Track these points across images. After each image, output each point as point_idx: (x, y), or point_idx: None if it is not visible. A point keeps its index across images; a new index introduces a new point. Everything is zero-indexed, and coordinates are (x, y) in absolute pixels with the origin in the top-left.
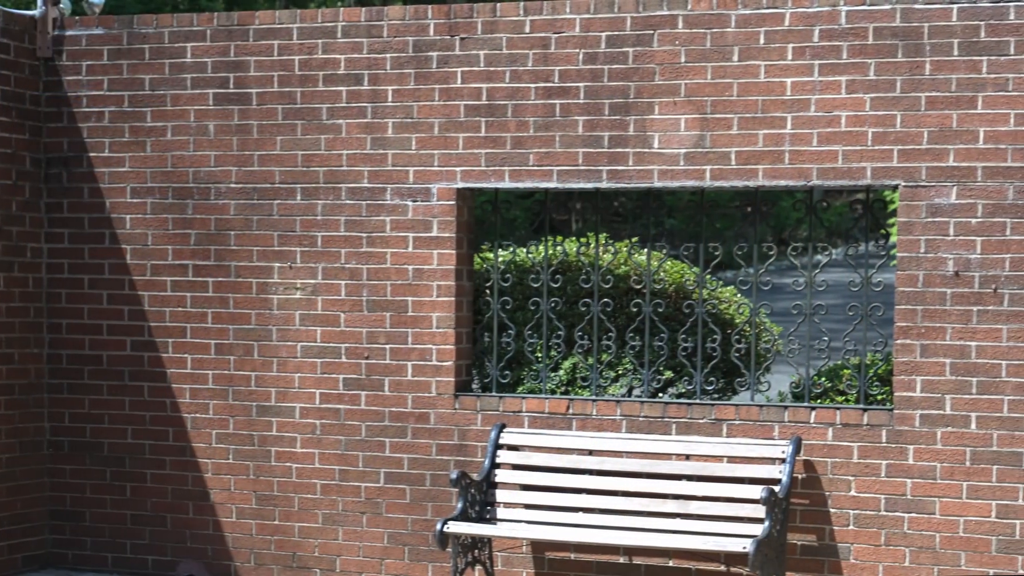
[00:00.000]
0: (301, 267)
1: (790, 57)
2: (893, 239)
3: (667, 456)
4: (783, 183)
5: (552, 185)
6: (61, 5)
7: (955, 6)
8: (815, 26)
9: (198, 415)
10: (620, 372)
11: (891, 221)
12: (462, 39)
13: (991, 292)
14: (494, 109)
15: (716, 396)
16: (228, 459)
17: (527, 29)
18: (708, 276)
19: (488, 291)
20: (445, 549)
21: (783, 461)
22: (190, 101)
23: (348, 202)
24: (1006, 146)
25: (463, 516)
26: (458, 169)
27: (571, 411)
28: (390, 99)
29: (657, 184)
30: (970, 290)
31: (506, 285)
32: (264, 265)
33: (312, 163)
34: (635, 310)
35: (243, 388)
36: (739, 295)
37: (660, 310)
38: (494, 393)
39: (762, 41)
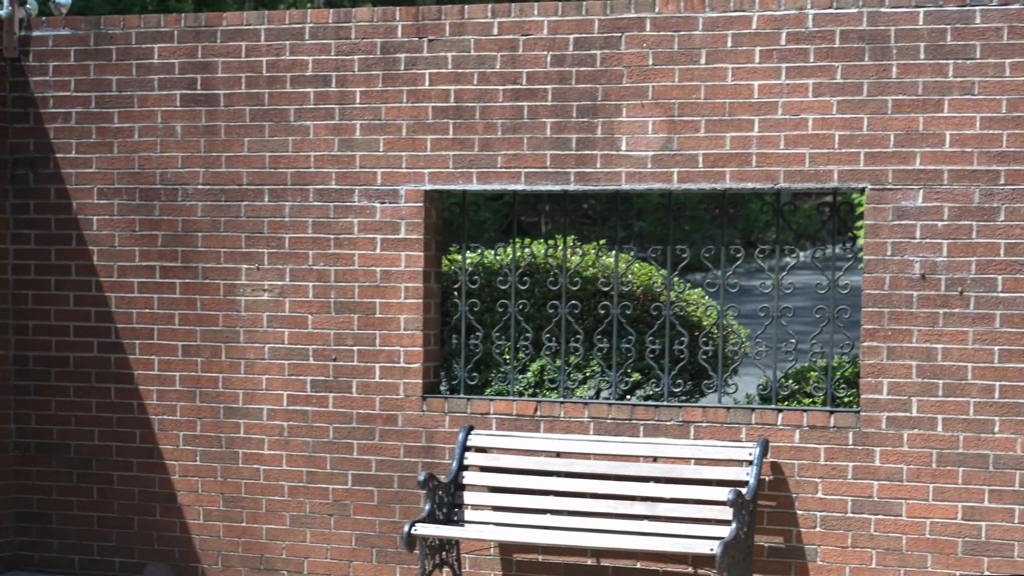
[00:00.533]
0: (269, 269)
1: (757, 60)
2: (860, 242)
3: (634, 458)
4: (750, 186)
5: (520, 187)
6: (27, 6)
7: (921, 10)
8: (782, 29)
9: (165, 417)
10: (588, 374)
11: (858, 224)
12: (430, 41)
13: (957, 295)
14: (462, 111)
15: (683, 398)
16: (195, 461)
17: (495, 31)
18: (676, 278)
19: (456, 293)
20: (413, 551)
21: (750, 463)
22: (157, 102)
23: (316, 204)
24: (972, 149)
25: (431, 518)
26: (426, 171)
27: (539, 413)
28: (358, 101)
29: (625, 186)
30: (936, 293)
31: (474, 287)
32: (231, 267)
33: (280, 165)
34: (603, 312)
35: (210, 390)
36: (707, 297)
37: (628, 312)
38: (462, 395)
39: (729, 44)
